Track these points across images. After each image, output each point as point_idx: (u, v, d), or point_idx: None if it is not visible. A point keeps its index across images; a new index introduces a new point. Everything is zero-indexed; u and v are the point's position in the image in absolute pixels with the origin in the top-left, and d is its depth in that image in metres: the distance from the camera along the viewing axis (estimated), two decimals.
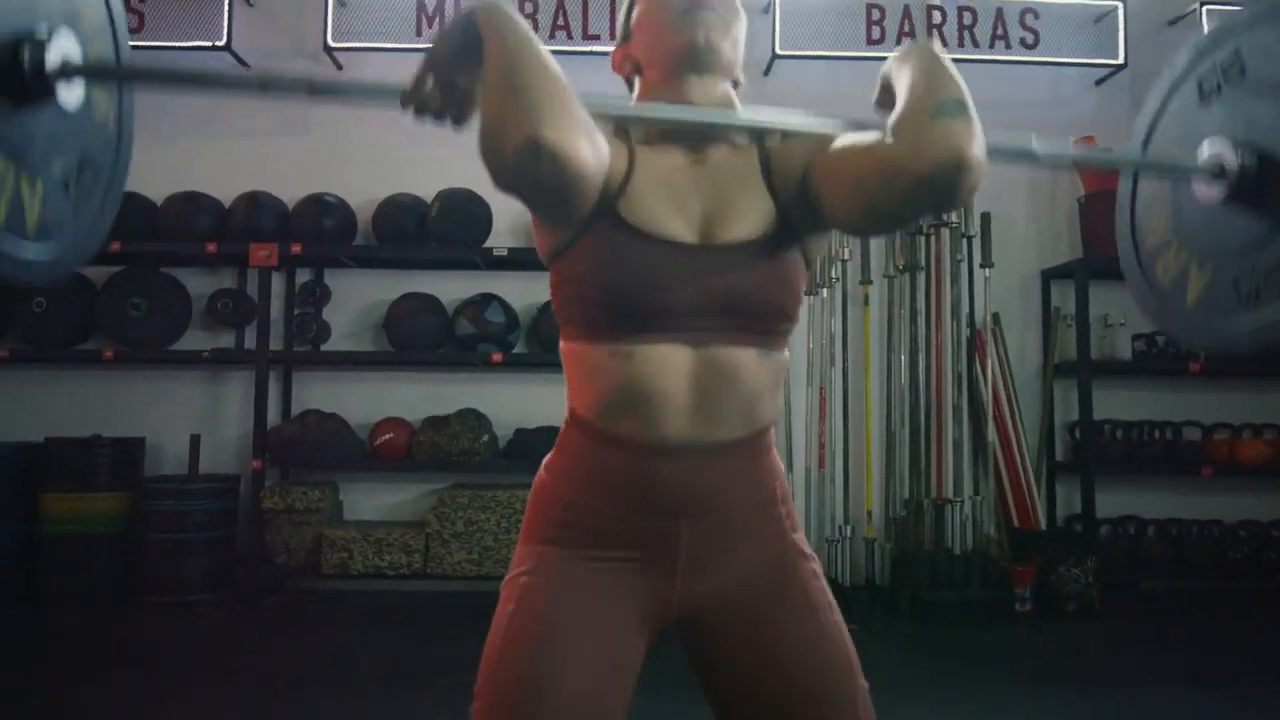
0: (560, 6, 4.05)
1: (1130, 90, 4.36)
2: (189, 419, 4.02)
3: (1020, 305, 4.28)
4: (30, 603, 3.55)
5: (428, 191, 3.97)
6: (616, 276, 0.94)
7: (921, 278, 3.97)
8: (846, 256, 3.94)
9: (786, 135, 1.03)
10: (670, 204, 0.97)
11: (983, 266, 3.92)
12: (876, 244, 4.09)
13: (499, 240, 3.98)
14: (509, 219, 4.04)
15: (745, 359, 0.96)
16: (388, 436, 3.88)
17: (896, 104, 0.90)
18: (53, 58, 0.90)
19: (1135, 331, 4.17)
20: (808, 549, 1.05)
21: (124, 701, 2.48)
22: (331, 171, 4.12)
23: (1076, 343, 3.98)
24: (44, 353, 3.97)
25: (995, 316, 4.11)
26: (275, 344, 3.98)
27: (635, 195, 0.96)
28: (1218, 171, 1.09)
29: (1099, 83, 4.34)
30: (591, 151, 0.84)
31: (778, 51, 4.03)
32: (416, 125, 3.76)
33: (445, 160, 4.08)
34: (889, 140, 0.88)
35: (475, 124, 0.88)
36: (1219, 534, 4.06)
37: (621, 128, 1.03)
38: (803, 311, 3.89)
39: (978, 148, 0.84)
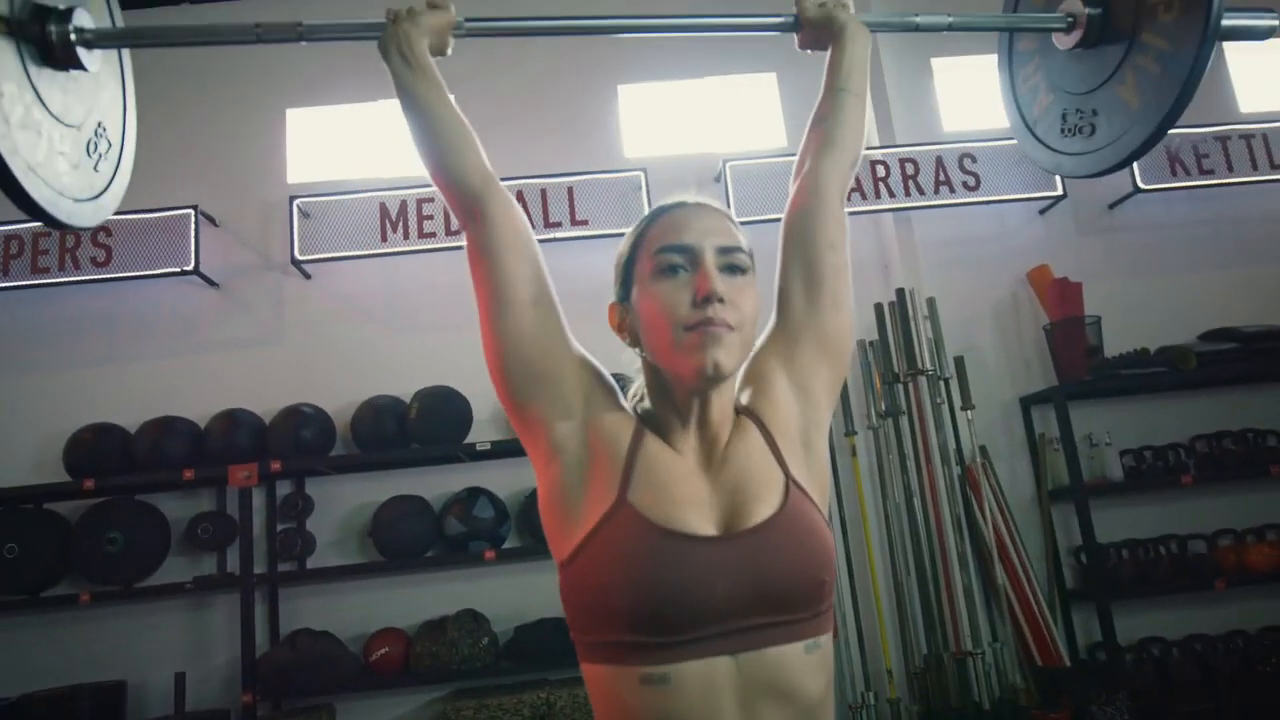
0: (519, 199, 4.17)
1: (1074, 216, 4.55)
2: (173, 654, 3.84)
3: (1004, 434, 4.30)
4: None
5: (405, 390, 3.96)
6: (641, 576, 0.86)
7: (904, 421, 3.98)
8: None
9: (762, 384, 1.07)
10: (686, 499, 0.94)
11: (964, 409, 3.94)
12: (856, 394, 4.12)
13: (480, 434, 3.95)
14: (489, 411, 4.03)
15: (792, 657, 0.89)
16: (384, 651, 3.72)
17: (831, 136, 1.22)
18: (74, 27, 1.15)
19: (1122, 448, 4.19)
20: None
21: None
22: (307, 379, 4.11)
23: (1067, 466, 3.98)
24: (16, 601, 3.81)
25: (983, 449, 4.12)
26: (259, 563, 3.86)
27: (646, 485, 0.93)
28: (1071, 23, 1.42)
29: (1043, 212, 4.52)
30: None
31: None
32: (390, 327, 3.79)
33: (421, 359, 4.12)
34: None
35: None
36: (1244, 645, 3.97)
37: (639, 436, 0.99)
38: None
39: None
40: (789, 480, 0.98)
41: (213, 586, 3.87)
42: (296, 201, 4.15)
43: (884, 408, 4.02)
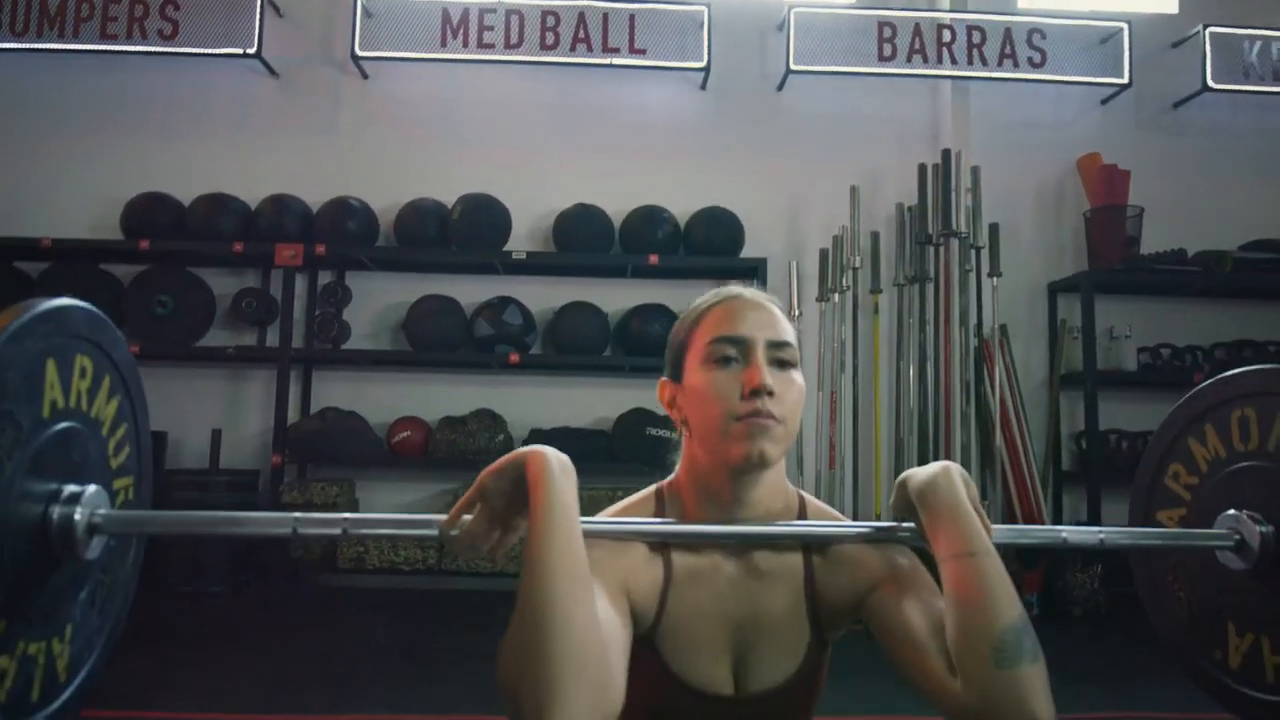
0: (581, 20, 4.17)
1: (1134, 110, 4.48)
2: (211, 415, 4.10)
3: (1027, 317, 4.36)
4: None
5: (449, 196, 4.07)
6: (658, 715, 0.99)
7: (930, 288, 4.05)
8: (858, 264, 4.02)
9: (827, 548, 1.03)
10: (707, 647, 0.99)
11: (990, 275, 3.99)
12: (886, 254, 4.17)
13: (518, 244, 4.07)
14: (528, 224, 4.14)
15: None
16: (405, 434, 3.95)
17: (948, 612, 0.88)
18: (80, 521, 0.91)
19: (1140, 344, 4.24)
20: None
21: (141, 674, 2.52)
22: (356, 175, 4.22)
23: (1082, 354, 4.05)
24: None
25: (1003, 328, 4.18)
26: (297, 343, 4.07)
27: (672, 631, 0.98)
28: (1238, 544, 1.14)
29: (1104, 102, 4.44)
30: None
31: (792, 67, 4.15)
32: (440, 133, 3.89)
33: (467, 168, 4.21)
34: (957, 683, 0.85)
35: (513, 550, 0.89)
36: None
37: (668, 565, 1.01)
38: (813, 317, 3.90)
39: (1047, 702, 0.81)
40: (815, 639, 1.02)
41: (253, 357, 4.10)
42: None
43: (913, 272, 4.08)
